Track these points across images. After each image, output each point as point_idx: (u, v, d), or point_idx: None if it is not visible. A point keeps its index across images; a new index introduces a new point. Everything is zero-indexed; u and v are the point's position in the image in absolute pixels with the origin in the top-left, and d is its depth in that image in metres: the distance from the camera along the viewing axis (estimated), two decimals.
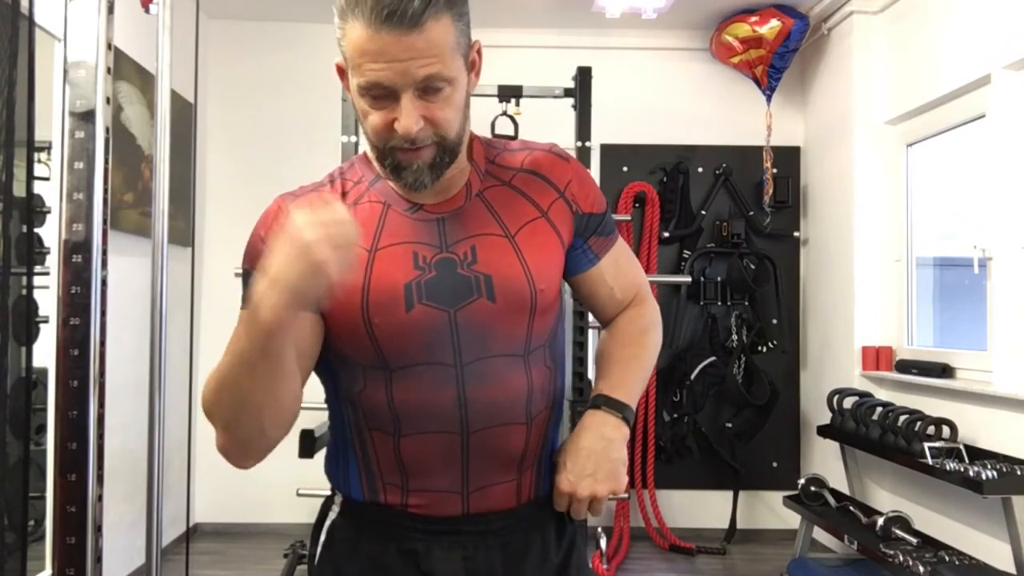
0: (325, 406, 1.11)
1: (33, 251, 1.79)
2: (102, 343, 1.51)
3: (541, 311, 1.05)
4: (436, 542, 1.04)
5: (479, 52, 1.04)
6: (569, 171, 1.12)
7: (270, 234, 1.02)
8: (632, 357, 1.16)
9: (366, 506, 1.06)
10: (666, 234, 4.35)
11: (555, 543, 1.10)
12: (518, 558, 1.07)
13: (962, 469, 2.74)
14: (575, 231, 1.11)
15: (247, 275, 1.05)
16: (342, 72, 1.01)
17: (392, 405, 1.01)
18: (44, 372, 1.78)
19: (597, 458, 1.06)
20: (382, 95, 0.95)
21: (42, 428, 2.59)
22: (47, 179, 2.52)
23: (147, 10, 1.73)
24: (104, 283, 1.53)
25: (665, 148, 4.43)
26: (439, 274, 1.01)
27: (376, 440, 1.03)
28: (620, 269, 1.18)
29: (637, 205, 4.37)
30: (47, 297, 1.64)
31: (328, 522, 1.12)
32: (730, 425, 4.29)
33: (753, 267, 4.31)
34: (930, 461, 2.87)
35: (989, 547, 2.91)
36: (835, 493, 3.49)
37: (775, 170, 4.23)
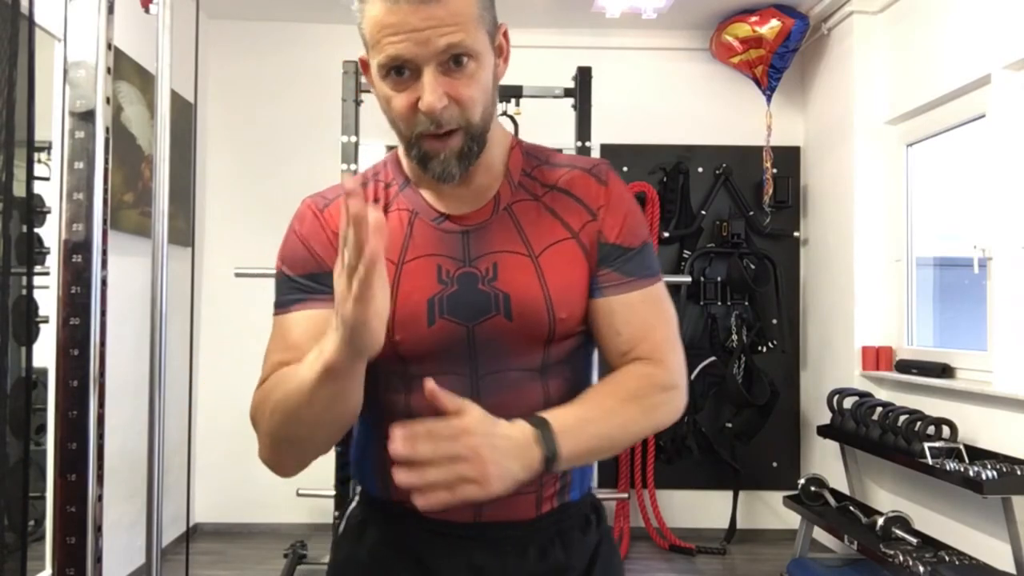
0: None
1: (33, 251, 1.79)
2: (102, 343, 1.51)
3: (560, 338, 1.02)
4: (440, 543, 1.03)
5: (506, 36, 1.01)
6: (604, 195, 1.05)
7: (309, 235, 1.02)
8: (620, 414, 0.98)
9: (380, 501, 1.07)
10: (666, 234, 4.35)
11: (577, 551, 1.07)
12: (532, 563, 1.04)
13: (962, 469, 2.74)
14: (598, 258, 1.04)
15: (281, 277, 1.04)
16: (365, 66, 0.99)
17: (409, 409, 1.01)
18: (44, 372, 1.77)
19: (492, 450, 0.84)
20: (404, 75, 0.93)
21: (42, 428, 2.58)
22: (47, 179, 2.52)
23: (147, 10, 1.73)
24: (104, 283, 1.53)
25: (665, 148, 4.43)
26: (460, 288, 1.00)
27: None
28: (636, 316, 1.04)
29: None
30: (47, 297, 1.64)
31: (348, 510, 1.14)
32: (730, 425, 4.29)
33: (753, 267, 4.31)
34: (930, 461, 2.87)
35: (989, 547, 2.91)
36: (835, 493, 3.49)
37: (775, 170, 4.24)
